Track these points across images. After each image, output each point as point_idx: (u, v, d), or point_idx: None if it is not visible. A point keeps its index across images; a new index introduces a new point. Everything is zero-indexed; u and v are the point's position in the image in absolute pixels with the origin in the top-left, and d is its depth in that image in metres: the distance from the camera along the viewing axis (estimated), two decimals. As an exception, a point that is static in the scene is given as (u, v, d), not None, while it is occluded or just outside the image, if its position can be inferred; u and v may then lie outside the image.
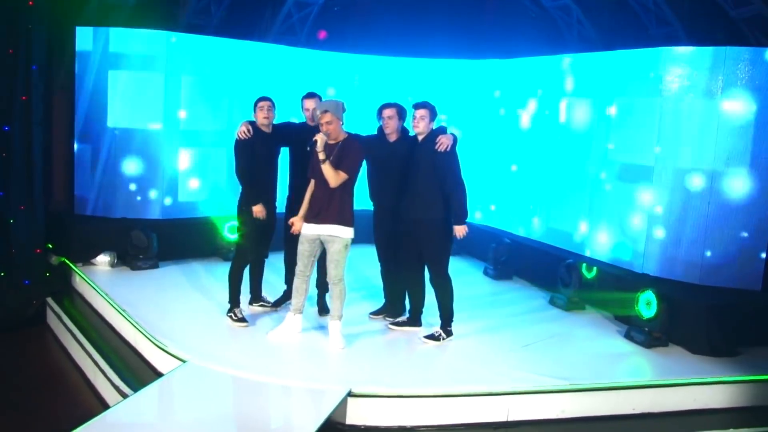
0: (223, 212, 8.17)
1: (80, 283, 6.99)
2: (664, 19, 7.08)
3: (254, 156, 5.59)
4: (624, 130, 6.70)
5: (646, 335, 5.70)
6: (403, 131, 5.80)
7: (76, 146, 7.71)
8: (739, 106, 5.95)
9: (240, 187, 5.75)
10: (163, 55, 7.53)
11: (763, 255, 5.96)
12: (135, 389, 4.77)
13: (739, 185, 5.98)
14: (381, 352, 5.36)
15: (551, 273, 7.13)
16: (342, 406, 4.34)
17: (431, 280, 5.56)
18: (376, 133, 5.88)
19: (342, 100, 5.28)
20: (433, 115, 5.51)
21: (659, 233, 6.33)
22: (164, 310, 5.99)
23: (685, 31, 6.96)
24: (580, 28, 8.22)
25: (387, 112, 5.69)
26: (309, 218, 5.26)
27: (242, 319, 5.68)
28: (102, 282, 6.67)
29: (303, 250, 5.31)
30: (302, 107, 5.85)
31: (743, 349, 5.64)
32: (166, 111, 7.62)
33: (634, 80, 6.57)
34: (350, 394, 4.43)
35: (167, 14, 8.31)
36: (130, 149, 7.60)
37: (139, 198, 7.66)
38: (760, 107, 5.89)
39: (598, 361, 5.35)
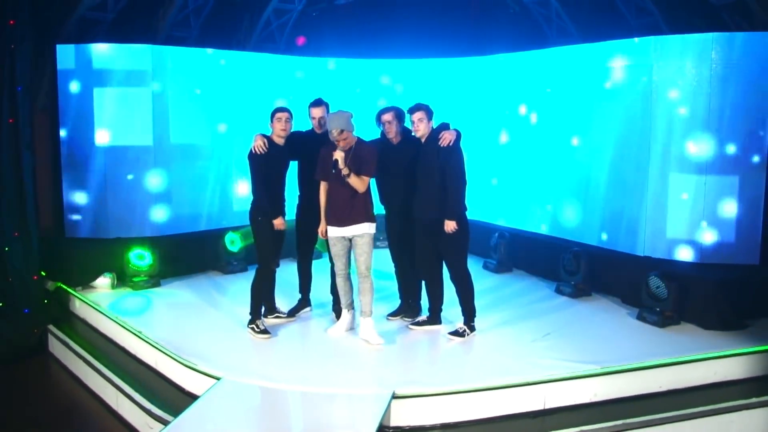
0: (219, 225, 8.11)
1: (81, 308, 6.81)
2: (644, 8, 7.31)
3: (269, 169, 5.55)
4: (613, 120, 6.89)
5: (659, 315, 5.89)
6: (405, 132, 5.84)
7: (62, 168, 7.48)
8: (727, 89, 6.19)
9: (252, 198, 5.70)
10: (149, 69, 7.39)
11: (760, 230, 6.22)
12: (168, 411, 4.71)
13: (731, 165, 6.22)
14: (410, 352, 5.41)
15: (552, 263, 7.31)
16: (387, 408, 4.35)
17: (452, 277, 5.62)
18: (379, 137, 5.90)
19: (347, 111, 5.30)
20: (429, 115, 5.56)
21: (657, 217, 6.53)
22: (179, 327, 5.89)
23: (665, 20, 7.20)
24: (559, 22, 8.42)
25: (386, 117, 5.71)
26: (334, 222, 5.33)
27: (264, 331, 5.63)
28: (107, 304, 6.51)
29: (337, 251, 5.41)
30: (309, 115, 5.84)
31: (750, 321, 5.88)
32: (156, 126, 7.48)
33: (622, 71, 6.76)
34: (394, 396, 4.45)
35: (146, 27, 8.16)
36: (121, 167, 7.44)
37: (133, 216, 7.50)
38: (744, 90, 6.13)
39: (619, 344, 5.50)
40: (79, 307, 6.86)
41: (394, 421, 4.48)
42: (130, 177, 7.46)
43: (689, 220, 6.37)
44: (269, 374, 4.83)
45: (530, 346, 5.44)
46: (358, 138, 5.36)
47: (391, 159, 5.72)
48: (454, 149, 5.40)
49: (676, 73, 6.34)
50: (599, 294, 6.87)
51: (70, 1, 7.26)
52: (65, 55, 7.31)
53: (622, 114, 6.76)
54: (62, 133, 7.43)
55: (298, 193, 6.00)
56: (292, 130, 5.70)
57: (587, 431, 4.57)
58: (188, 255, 7.69)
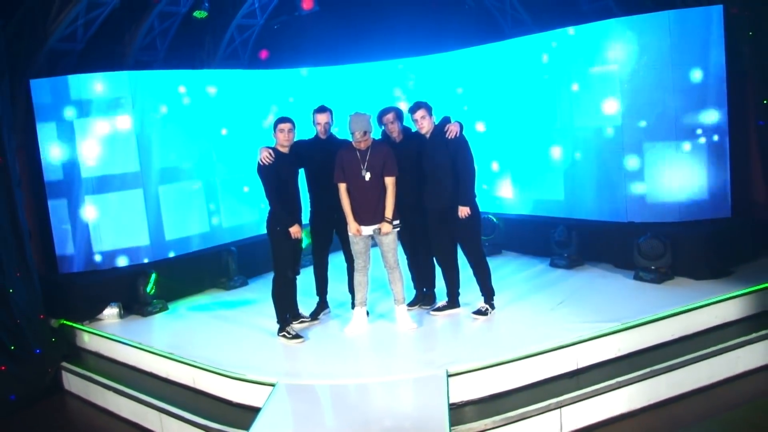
0: (214, 243, 8.14)
1: (92, 341, 6.75)
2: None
3: (279, 179, 5.70)
4: (586, 101, 7.39)
5: (655, 273, 6.41)
6: (405, 130, 6.13)
7: (48, 205, 7.34)
8: (684, 67, 6.78)
9: (268, 209, 5.82)
10: (128, 95, 7.36)
11: (728, 186, 6.85)
12: (222, 423, 4.81)
13: (697, 130, 6.81)
14: (444, 335, 5.70)
15: (540, 241, 7.76)
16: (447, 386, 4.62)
17: (470, 260, 5.94)
18: (381, 138, 6.15)
19: (366, 113, 5.58)
20: (430, 111, 5.88)
21: (636, 184, 7.07)
22: (209, 345, 5.95)
23: (616, 3, 7.74)
24: (513, 13, 8.89)
25: (388, 117, 5.97)
26: (363, 221, 5.58)
27: (297, 336, 5.78)
28: (124, 333, 6.48)
29: (359, 249, 5.65)
30: (314, 121, 6.01)
31: (732, 268, 6.48)
32: (140, 152, 7.45)
33: (592, 55, 7.28)
34: (448, 375, 4.72)
35: (114, 54, 8.09)
36: (110, 196, 7.37)
37: (128, 244, 7.45)
38: (704, 65, 6.74)
39: (626, 302, 5.97)
40: (89, 341, 6.79)
41: (451, 399, 4.73)
42: (120, 205, 7.39)
43: (666, 184, 6.92)
44: (322, 372, 5.01)
45: (550, 314, 5.83)
46: (373, 139, 5.61)
47: (397, 156, 5.96)
48: (462, 140, 5.73)
49: (632, 53, 6.89)
50: (591, 263, 7.35)
51: (40, 34, 7.13)
52: (40, 89, 7.19)
53: (594, 95, 7.27)
54: (44, 168, 7.29)
55: (310, 200, 6.16)
56: (304, 141, 5.89)
57: (618, 383, 5.00)
58: (188, 276, 7.69)
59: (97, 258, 7.39)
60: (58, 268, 7.40)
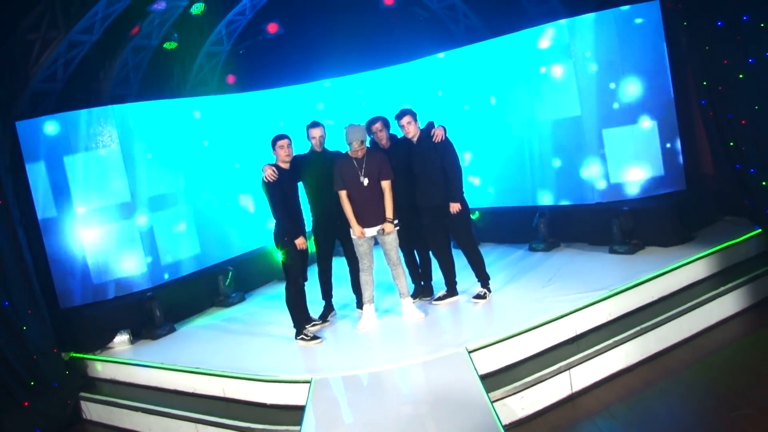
0: (208, 263, 8.40)
1: (106, 370, 6.93)
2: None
3: (284, 193, 6.07)
4: (547, 96, 8.05)
5: (628, 245, 7.07)
6: (392, 138, 6.61)
7: (44, 242, 7.47)
8: (631, 57, 7.52)
9: (275, 223, 6.17)
10: (115, 128, 7.58)
11: (681, 161, 7.60)
12: (264, 423, 5.15)
13: (647, 114, 7.54)
14: (451, 319, 6.18)
15: (515, 229, 8.37)
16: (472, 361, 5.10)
17: (464, 251, 6.45)
18: (370, 146, 6.60)
19: (360, 123, 6.05)
20: (415, 116, 6.39)
21: (599, 167, 7.73)
22: (230, 357, 6.22)
23: (563, 4, 8.43)
24: (466, 21, 9.51)
25: (377, 126, 6.43)
26: (365, 224, 5.98)
27: (315, 337, 6.15)
28: (140, 357, 6.69)
29: (364, 250, 6.06)
30: (308, 135, 6.41)
31: (694, 234, 7.21)
32: (130, 182, 7.66)
33: (548, 53, 7.94)
34: (468, 351, 5.20)
35: (90, 91, 8.27)
36: (105, 228, 7.55)
37: (127, 272, 7.64)
38: (648, 55, 7.49)
39: (607, 273, 6.59)
40: (103, 370, 6.96)
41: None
42: (114, 237, 7.58)
43: (626, 165, 7.63)
44: (350, 365, 5.39)
45: (543, 291, 6.39)
46: (367, 147, 6.07)
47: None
48: (447, 142, 6.25)
49: (583, 49, 7.60)
50: (566, 243, 7.98)
51: (22, 76, 7.28)
52: (27, 130, 7.34)
53: (554, 90, 7.93)
54: (37, 207, 7.41)
55: (311, 211, 6.53)
56: (301, 156, 6.30)
57: (614, 342, 5.59)
58: (187, 298, 7.93)
59: (98, 289, 7.54)
60: (60, 303, 7.51)
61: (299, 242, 6.14)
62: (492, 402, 4.58)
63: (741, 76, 6.10)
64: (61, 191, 7.44)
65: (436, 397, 4.68)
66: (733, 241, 6.73)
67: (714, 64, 6.37)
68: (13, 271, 6.49)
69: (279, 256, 6.24)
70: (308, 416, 4.70)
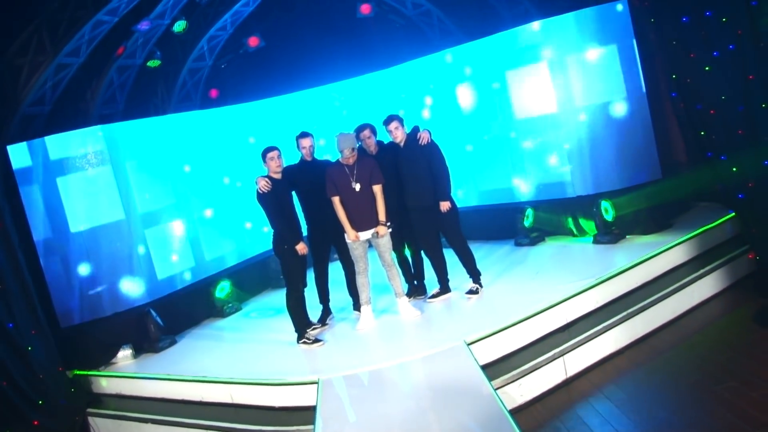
0: (202, 275, 8.55)
1: (110, 385, 7.05)
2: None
3: (279, 202, 6.26)
4: (524, 96, 8.33)
5: (610, 234, 7.38)
6: (379, 144, 6.84)
7: (42, 263, 7.56)
8: (604, 54, 7.83)
9: (273, 232, 6.37)
10: (105, 147, 7.70)
11: (656, 152, 7.93)
12: (275, 424, 5.34)
13: (622, 108, 7.86)
14: (446, 315, 6.42)
15: (500, 226, 8.65)
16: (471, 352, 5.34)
17: (455, 248, 6.70)
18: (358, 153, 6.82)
19: (350, 132, 6.28)
20: (402, 122, 6.64)
21: (578, 161, 8.04)
22: (235, 363, 6.41)
23: (535, 6, 8.73)
24: (441, 25, 9.79)
25: (365, 133, 6.64)
26: (359, 228, 6.20)
27: (317, 340, 6.34)
28: (144, 370, 6.82)
29: (359, 253, 6.26)
30: (298, 145, 6.62)
31: (671, 221, 7.54)
32: (123, 200, 7.79)
33: (522, 55, 8.23)
34: (467, 343, 5.44)
35: (78, 112, 8.39)
36: (101, 246, 7.66)
37: (124, 288, 7.75)
38: (619, 52, 7.81)
39: (593, 262, 6.89)
40: (108, 385, 7.08)
41: (472, 364, 5.45)
42: (111, 253, 7.69)
43: (604, 157, 7.93)
44: (353, 364, 5.60)
45: (532, 283, 6.66)
46: (357, 153, 6.29)
47: (377, 168, 6.67)
48: (434, 145, 6.50)
49: (559, 48, 7.90)
50: (550, 237, 8.27)
51: (11, 101, 7.38)
52: (18, 154, 7.43)
53: (530, 90, 8.22)
54: (33, 229, 7.51)
55: (305, 219, 6.73)
56: (292, 166, 6.50)
57: (604, 328, 5.88)
58: (184, 310, 8.07)
59: (97, 306, 7.64)
60: (60, 322, 7.60)
61: (300, 248, 6.33)
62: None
63: (707, 68, 6.41)
64: (55, 212, 7.53)
65: (442, 388, 4.91)
66: (709, 226, 7.07)
67: (682, 58, 6.67)
68: (15, 293, 6.59)
69: (279, 263, 6.44)
70: (320, 414, 4.89)
